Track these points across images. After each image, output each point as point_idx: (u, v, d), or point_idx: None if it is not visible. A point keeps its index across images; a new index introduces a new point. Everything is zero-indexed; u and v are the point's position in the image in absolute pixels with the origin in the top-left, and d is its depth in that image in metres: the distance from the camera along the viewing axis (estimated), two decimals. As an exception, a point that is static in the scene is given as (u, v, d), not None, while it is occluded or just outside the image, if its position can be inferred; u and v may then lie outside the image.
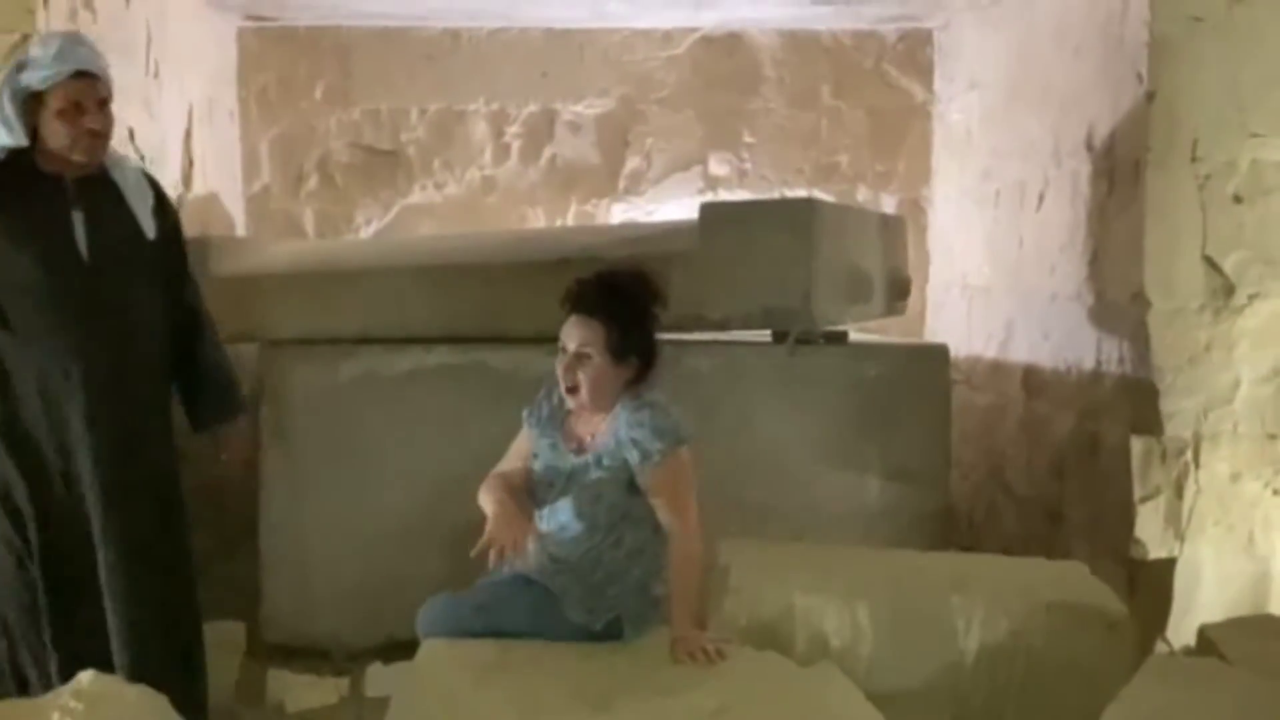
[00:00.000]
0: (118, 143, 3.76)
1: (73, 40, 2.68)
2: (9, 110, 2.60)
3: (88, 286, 2.67)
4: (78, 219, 2.67)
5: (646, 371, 2.68)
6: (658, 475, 2.61)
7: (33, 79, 2.60)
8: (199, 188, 4.63)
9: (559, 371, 2.66)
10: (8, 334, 2.67)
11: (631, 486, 2.63)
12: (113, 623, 2.74)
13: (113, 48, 3.74)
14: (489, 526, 2.59)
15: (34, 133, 2.65)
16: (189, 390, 2.96)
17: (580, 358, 2.63)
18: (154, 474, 2.83)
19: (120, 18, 3.87)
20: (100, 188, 2.72)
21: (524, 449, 2.80)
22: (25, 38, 3.21)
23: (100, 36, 3.65)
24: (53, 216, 2.65)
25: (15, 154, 2.64)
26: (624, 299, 2.66)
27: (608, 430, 2.65)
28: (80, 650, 2.66)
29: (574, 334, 2.64)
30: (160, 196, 2.87)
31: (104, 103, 2.69)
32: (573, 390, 2.65)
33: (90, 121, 2.64)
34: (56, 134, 2.63)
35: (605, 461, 2.63)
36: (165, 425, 2.88)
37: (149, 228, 2.78)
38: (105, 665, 2.60)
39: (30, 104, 2.62)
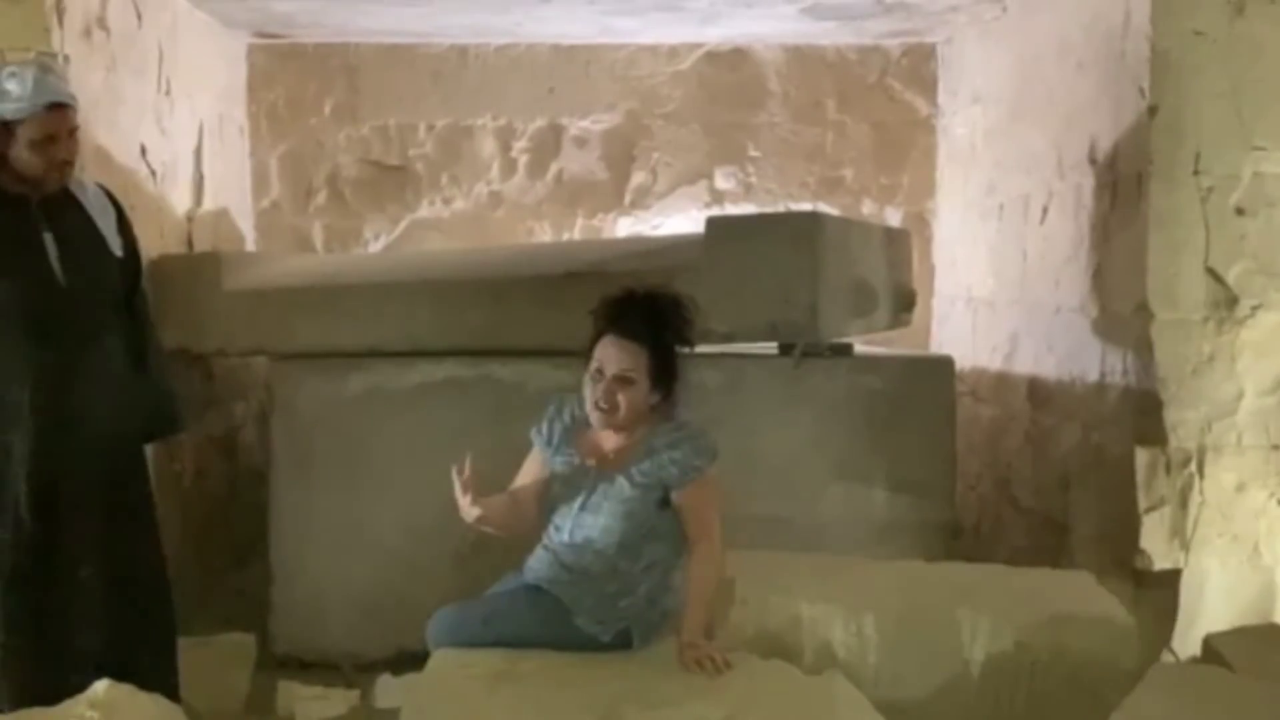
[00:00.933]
0: (130, 159, 3.84)
1: (44, 70, 2.68)
2: None
3: (65, 309, 2.67)
4: (49, 241, 2.66)
5: (674, 393, 2.71)
6: (694, 492, 2.64)
7: (5, 110, 2.59)
8: (209, 203, 4.67)
9: (595, 392, 2.65)
10: None
11: (661, 503, 2.65)
12: (91, 638, 2.72)
13: (126, 65, 3.81)
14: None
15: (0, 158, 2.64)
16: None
17: (622, 382, 2.62)
18: (136, 492, 2.86)
19: (133, 36, 3.92)
20: (66, 207, 2.72)
21: (534, 469, 2.81)
22: (40, 56, 3.25)
23: (114, 54, 3.71)
24: (24, 240, 2.64)
25: None
26: (667, 325, 2.68)
27: (641, 448, 2.67)
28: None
29: (616, 357, 2.63)
30: (120, 211, 2.87)
31: (74, 130, 2.70)
32: (609, 411, 2.65)
33: (62, 151, 2.65)
34: (30, 164, 2.63)
35: (639, 479, 2.64)
36: (138, 439, 2.89)
37: (115, 245, 2.79)
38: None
39: None
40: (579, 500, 2.68)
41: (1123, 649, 2.77)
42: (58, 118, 2.63)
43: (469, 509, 2.60)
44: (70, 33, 3.41)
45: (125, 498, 2.84)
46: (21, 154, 2.61)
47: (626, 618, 2.66)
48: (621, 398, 2.63)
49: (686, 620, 2.61)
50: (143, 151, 3.95)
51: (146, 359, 2.90)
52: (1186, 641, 3.34)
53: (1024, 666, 2.76)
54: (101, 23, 3.65)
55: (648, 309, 2.67)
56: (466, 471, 2.60)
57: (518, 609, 2.67)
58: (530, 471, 2.81)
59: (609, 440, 2.72)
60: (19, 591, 2.66)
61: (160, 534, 2.97)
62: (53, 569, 2.68)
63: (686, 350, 2.71)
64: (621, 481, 2.65)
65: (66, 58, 3.36)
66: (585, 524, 2.66)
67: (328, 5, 4.59)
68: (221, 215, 4.84)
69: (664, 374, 2.66)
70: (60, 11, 3.34)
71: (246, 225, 5.26)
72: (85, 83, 3.47)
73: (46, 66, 2.71)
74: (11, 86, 2.59)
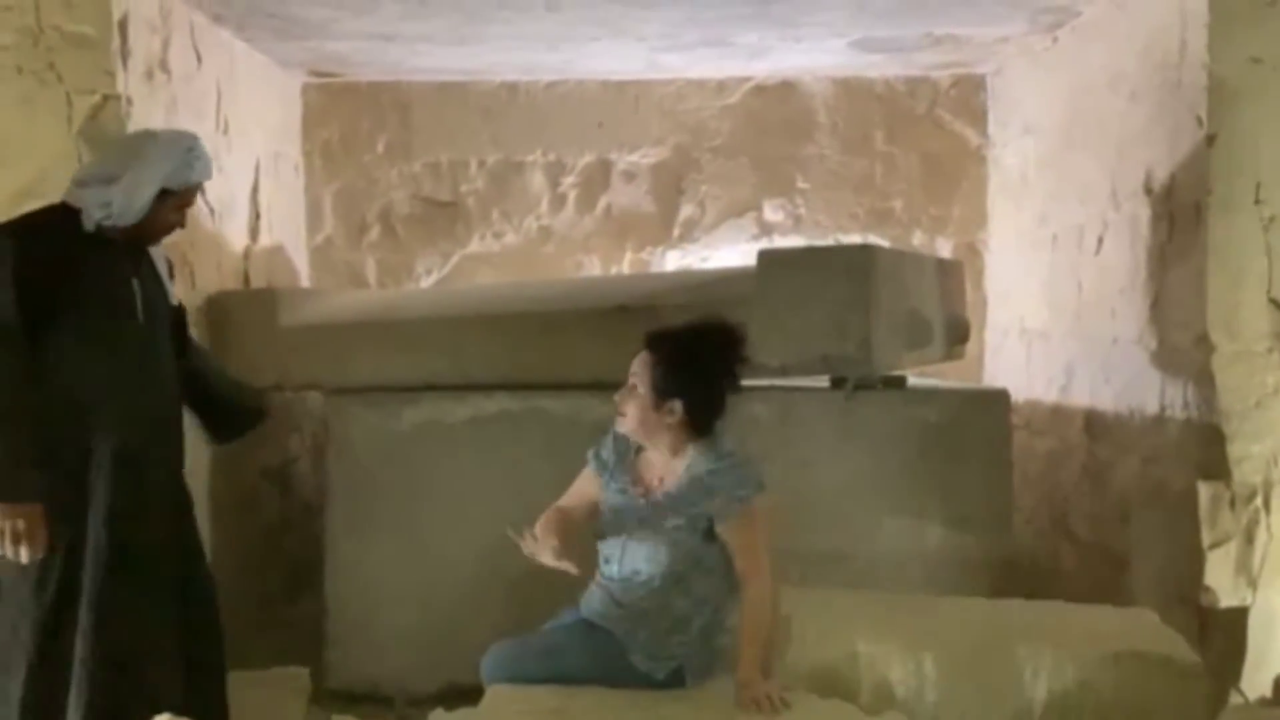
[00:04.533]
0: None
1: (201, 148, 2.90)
2: (147, 197, 2.76)
3: (143, 345, 2.85)
4: (136, 285, 2.85)
5: (698, 419, 2.69)
6: (738, 523, 2.63)
7: (191, 178, 2.85)
8: (265, 239, 4.74)
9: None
10: (74, 378, 2.74)
11: (707, 534, 2.64)
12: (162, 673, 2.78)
13: (186, 105, 3.89)
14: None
15: None
16: (214, 412, 3.13)
17: (630, 386, 2.72)
18: (190, 526, 2.97)
19: (192, 77, 4.00)
20: (143, 256, 2.92)
21: (586, 490, 2.83)
22: (106, 98, 3.35)
23: (174, 95, 3.79)
24: (119, 278, 2.82)
25: (75, 216, 2.76)
26: (677, 341, 2.71)
27: (684, 477, 2.67)
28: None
29: (632, 364, 2.74)
30: (170, 265, 3.07)
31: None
32: (620, 413, 2.75)
33: (185, 219, 2.96)
34: (163, 223, 2.87)
35: (682, 509, 2.64)
36: (180, 473, 3.00)
37: (171, 295, 3.01)
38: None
39: (161, 192, 2.81)
40: (627, 529, 2.69)
41: (1189, 689, 2.71)
42: (198, 191, 2.96)
43: (548, 555, 2.62)
44: (134, 75, 3.49)
45: (183, 532, 2.93)
46: (168, 216, 2.86)
47: (680, 655, 2.64)
48: (629, 402, 2.71)
49: (742, 658, 2.59)
50: (202, 190, 4.02)
51: (210, 366, 3.16)
52: (1255, 682, 3.25)
53: (1087, 706, 2.71)
54: (163, 65, 3.73)
55: (672, 327, 2.75)
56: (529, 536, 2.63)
57: (572, 645, 2.67)
58: (579, 491, 2.84)
59: (657, 469, 2.73)
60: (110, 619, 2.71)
61: (210, 567, 3.03)
62: (132, 599, 2.75)
63: (709, 374, 2.71)
64: (667, 511, 2.65)
65: (129, 99, 3.44)
66: (633, 553, 2.67)
67: (381, 45, 4.67)
68: (277, 251, 4.91)
69: (666, 387, 2.67)
70: (125, 55, 3.43)
71: (301, 261, 5.33)
72: (147, 123, 3.55)
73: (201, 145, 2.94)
74: (198, 164, 2.85)
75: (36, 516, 2.61)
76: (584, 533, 2.80)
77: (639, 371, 2.71)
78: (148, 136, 2.94)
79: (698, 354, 2.70)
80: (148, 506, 2.79)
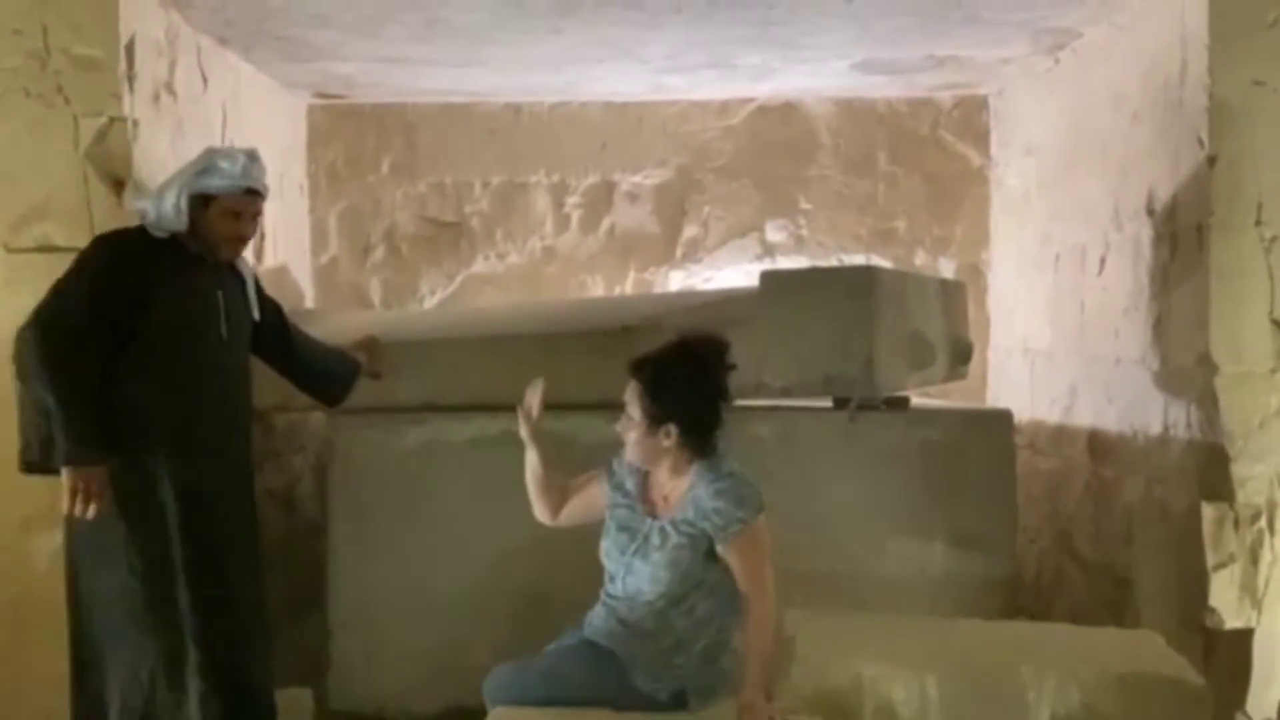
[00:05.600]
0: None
1: (251, 159, 3.05)
2: (181, 203, 2.96)
3: (223, 356, 3.09)
4: (220, 298, 3.06)
5: (695, 438, 2.70)
6: (739, 544, 2.64)
7: (211, 185, 2.97)
8: (270, 259, 4.76)
9: None
10: (150, 386, 2.94)
11: (709, 555, 2.64)
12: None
13: (191, 127, 3.91)
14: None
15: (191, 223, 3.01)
16: (316, 376, 3.48)
17: (626, 416, 2.76)
18: (251, 537, 3.18)
19: (199, 99, 4.03)
20: (232, 273, 3.14)
21: (591, 488, 2.89)
22: (112, 120, 3.38)
23: (181, 117, 3.82)
24: (204, 292, 3.03)
25: (172, 235, 3.00)
26: (659, 364, 2.73)
27: (686, 498, 2.68)
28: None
29: (625, 393, 2.78)
30: (257, 280, 3.28)
31: (257, 214, 3.12)
32: (625, 443, 2.79)
33: (242, 228, 3.07)
34: (212, 231, 3.02)
35: (684, 529, 2.65)
36: (251, 480, 3.24)
37: (255, 311, 3.18)
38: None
39: (196, 199, 2.98)
40: (630, 547, 2.69)
41: (1194, 712, 2.70)
42: (250, 200, 3.06)
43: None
44: (140, 97, 3.52)
45: (249, 541, 3.17)
46: (213, 221, 3.00)
47: (682, 676, 2.64)
48: (628, 429, 2.74)
49: (745, 680, 2.58)
50: (255, 199, 4.03)
51: (310, 349, 3.47)
52: (1261, 704, 3.24)
53: (1092, 728, 2.70)
54: (169, 87, 3.76)
55: (658, 351, 2.77)
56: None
57: (575, 666, 2.67)
58: (585, 483, 2.92)
59: (661, 488, 2.74)
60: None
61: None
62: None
63: (696, 391, 2.72)
64: (668, 530, 2.66)
65: (136, 122, 3.47)
66: (635, 571, 2.68)
67: (387, 67, 4.70)
68: (282, 272, 4.93)
69: (656, 412, 2.69)
70: (132, 77, 3.46)
71: (306, 281, 5.35)
72: (153, 145, 3.58)
73: (254, 156, 3.07)
74: (225, 165, 2.99)
75: (102, 477, 2.83)
76: (561, 498, 2.95)
77: (631, 400, 2.74)
78: (203, 151, 3.12)
79: (682, 374, 2.71)
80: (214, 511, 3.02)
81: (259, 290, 3.24)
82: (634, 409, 2.73)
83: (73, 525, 2.91)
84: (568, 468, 3.00)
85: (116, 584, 2.92)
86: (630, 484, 2.80)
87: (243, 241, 3.10)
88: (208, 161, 3.01)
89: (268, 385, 3.80)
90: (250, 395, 3.26)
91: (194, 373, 3.00)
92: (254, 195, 3.06)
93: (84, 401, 2.81)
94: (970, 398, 5.08)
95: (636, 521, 2.73)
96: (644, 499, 2.77)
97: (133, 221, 3.14)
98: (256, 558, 3.19)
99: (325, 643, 3.76)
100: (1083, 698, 2.70)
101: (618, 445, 2.84)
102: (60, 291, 2.88)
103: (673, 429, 2.69)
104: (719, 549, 2.64)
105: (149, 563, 2.93)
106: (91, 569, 2.95)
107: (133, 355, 2.90)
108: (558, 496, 2.93)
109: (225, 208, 3.00)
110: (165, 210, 2.96)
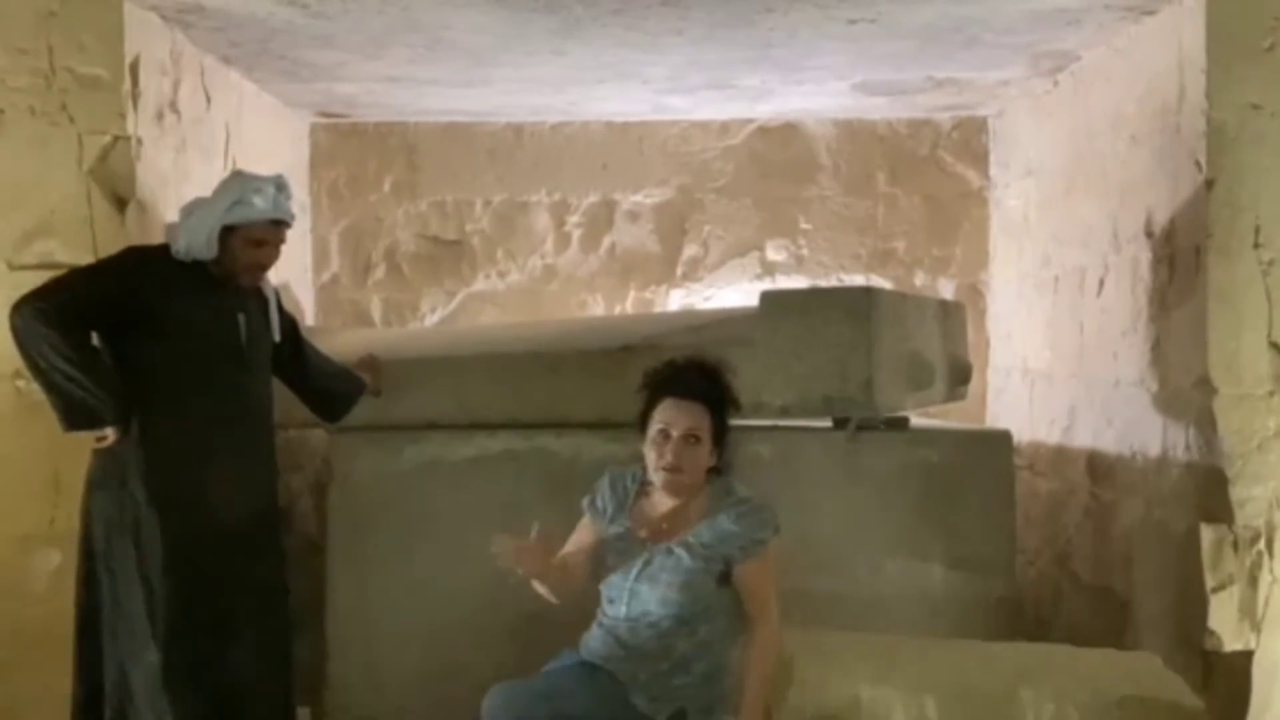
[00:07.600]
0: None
1: (279, 188, 3.08)
2: (213, 236, 3.00)
3: (243, 378, 3.13)
4: (241, 320, 3.09)
5: (724, 459, 2.72)
6: (755, 567, 2.65)
7: (238, 216, 3.00)
8: (272, 278, 4.75)
9: (665, 453, 2.68)
10: (170, 411, 2.98)
11: (721, 578, 2.64)
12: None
13: (195, 146, 3.93)
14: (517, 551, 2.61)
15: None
16: (322, 392, 3.51)
17: (689, 439, 2.68)
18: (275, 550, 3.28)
19: (202, 118, 4.05)
20: (254, 296, 3.17)
21: (584, 539, 2.82)
22: (116, 139, 3.40)
23: (184, 136, 3.84)
24: (225, 313, 3.08)
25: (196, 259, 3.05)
26: (721, 387, 2.74)
27: (703, 521, 2.67)
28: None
29: (681, 418, 2.68)
30: (279, 302, 3.32)
31: (280, 243, 3.15)
32: (678, 470, 2.68)
33: (264, 256, 3.10)
34: (234, 259, 3.05)
35: (700, 552, 2.64)
36: (274, 492, 3.31)
37: (276, 332, 3.24)
38: None
39: (223, 228, 3.02)
40: (634, 571, 2.68)
41: (1193, 734, 2.70)
42: (274, 230, 3.09)
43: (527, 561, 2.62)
44: (144, 116, 3.54)
45: (265, 567, 3.21)
46: (235, 249, 3.03)
47: (681, 698, 2.63)
48: (688, 457, 2.67)
49: (745, 702, 2.58)
50: (281, 227, 4.05)
51: (319, 367, 3.50)
52: (1260, 727, 3.23)
53: (1091, 752, 2.69)
54: (173, 106, 3.78)
55: (701, 372, 2.75)
56: (533, 535, 2.64)
57: (573, 687, 2.66)
58: (578, 540, 2.83)
59: (661, 510, 2.73)
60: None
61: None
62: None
63: (728, 408, 2.76)
64: (680, 552, 2.65)
65: (139, 140, 3.49)
66: (642, 595, 2.66)
67: (389, 86, 4.73)
68: (283, 290, 4.92)
69: (721, 434, 2.71)
70: (136, 96, 3.48)
71: (307, 299, 5.37)
72: (156, 163, 3.60)
73: (281, 185, 3.10)
74: (258, 201, 3.02)
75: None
76: (584, 578, 2.80)
77: (698, 425, 2.67)
78: (230, 176, 3.16)
79: (730, 394, 2.74)
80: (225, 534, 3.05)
81: (280, 308, 3.28)
82: (701, 431, 2.67)
83: (89, 543, 2.95)
84: (566, 492, 2.99)
85: (139, 598, 2.92)
86: (618, 511, 2.78)
87: (264, 269, 3.13)
88: (240, 194, 3.01)
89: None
90: (272, 418, 3.28)
91: (213, 398, 3.03)
92: (280, 225, 3.10)
93: (86, 372, 2.82)
94: (969, 419, 5.08)
95: (635, 546, 2.72)
96: (640, 522, 2.75)
97: (138, 240, 3.15)
98: (281, 580, 3.24)
99: (323, 661, 3.75)
100: (1081, 720, 2.69)
101: (617, 464, 2.84)
102: (62, 281, 2.94)
103: (717, 451, 2.72)
104: (736, 570, 2.64)
105: (167, 582, 2.93)
106: (108, 586, 2.95)
107: (150, 380, 2.93)
108: (573, 579, 2.78)
109: (249, 236, 3.03)
110: (198, 239, 2.99)
